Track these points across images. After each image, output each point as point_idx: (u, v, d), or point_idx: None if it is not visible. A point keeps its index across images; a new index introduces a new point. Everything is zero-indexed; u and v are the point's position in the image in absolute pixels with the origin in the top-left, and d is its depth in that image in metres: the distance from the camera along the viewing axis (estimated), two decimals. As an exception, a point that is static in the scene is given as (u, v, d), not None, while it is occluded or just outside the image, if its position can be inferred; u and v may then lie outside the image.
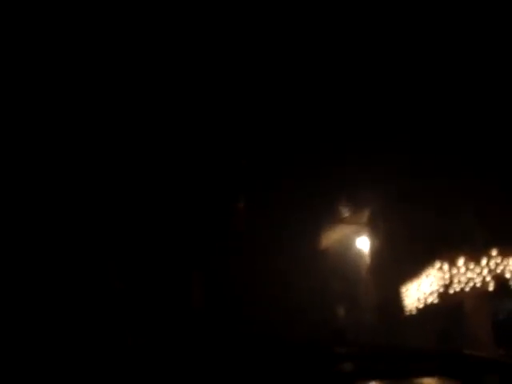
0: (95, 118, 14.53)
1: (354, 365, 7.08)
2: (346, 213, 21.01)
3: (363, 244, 21.42)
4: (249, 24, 14.91)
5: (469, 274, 12.30)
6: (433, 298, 13.29)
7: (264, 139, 18.32)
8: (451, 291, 12.60)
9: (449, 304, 13.63)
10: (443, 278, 12.50)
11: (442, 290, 12.76)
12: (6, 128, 12.78)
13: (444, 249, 13.74)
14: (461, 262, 12.38)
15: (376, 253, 19.96)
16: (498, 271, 12.33)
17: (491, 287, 12.40)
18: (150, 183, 16.47)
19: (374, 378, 6.76)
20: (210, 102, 16.29)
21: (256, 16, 14.83)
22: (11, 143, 12.99)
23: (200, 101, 16.09)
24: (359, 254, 21.78)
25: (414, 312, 14.61)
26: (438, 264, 12.66)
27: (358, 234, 21.66)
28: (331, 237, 21.90)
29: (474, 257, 12.49)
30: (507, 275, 12.39)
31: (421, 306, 14.00)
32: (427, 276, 13.18)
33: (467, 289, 12.41)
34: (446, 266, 12.46)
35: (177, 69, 15.33)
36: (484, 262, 12.30)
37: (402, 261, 15.92)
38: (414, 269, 14.51)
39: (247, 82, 16.22)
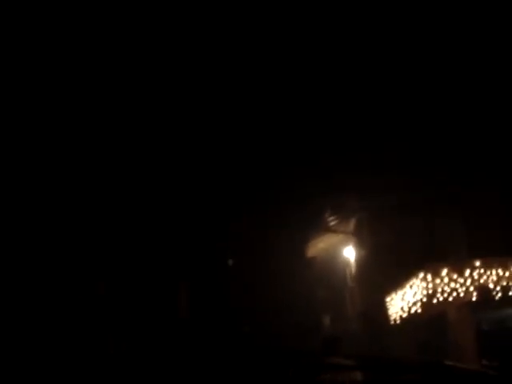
0: (92, 125, 14.57)
1: (336, 375, 7.12)
2: (332, 222, 21.08)
3: (349, 253, 21.48)
4: (249, 29, 14.98)
5: (452, 285, 12.38)
6: (416, 308, 13.35)
7: (254, 150, 18.39)
8: (434, 301, 12.67)
9: (432, 314, 13.69)
10: (427, 288, 12.57)
11: (425, 299, 12.82)
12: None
13: (429, 259, 13.83)
14: (444, 272, 12.46)
15: (361, 262, 20.02)
16: (482, 281, 12.42)
17: (474, 297, 12.48)
18: (142, 195, 16.50)
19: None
20: (208, 105, 16.32)
21: (257, 20, 14.90)
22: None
23: (199, 102, 16.12)
24: (345, 262, 21.84)
25: (398, 321, 14.66)
26: (421, 274, 12.73)
27: (345, 243, 21.71)
28: (318, 245, 21.96)
29: (458, 267, 12.57)
30: (490, 285, 12.49)
31: (405, 315, 14.06)
32: (411, 286, 13.24)
33: (450, 299, 12.48)
34: (429, 276, 12.54)
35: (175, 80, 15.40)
36: (467, 272, 12.39)
37: (387, 270, 15.99)
38: (398, 278, 14.58)
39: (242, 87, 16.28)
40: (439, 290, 12.51)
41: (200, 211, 18.91)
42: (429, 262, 13.49)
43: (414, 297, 13.13)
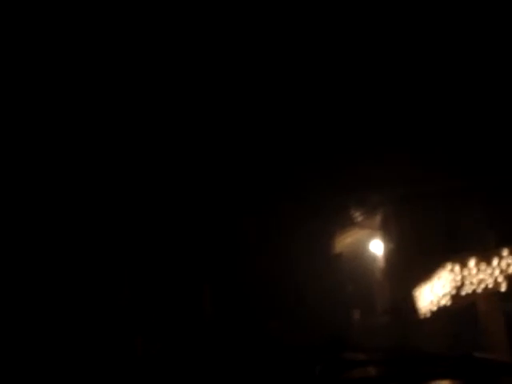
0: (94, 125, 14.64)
1: (363, 371, 7.09)
2: (358, 217, 21.04)
3: (376, 248, 21.43)
4: (250, 29, 14.99)
5: (480, 275, 12.26)
6: (445, 301, 13.25)
7: (274, 142, 18.37)
8: (463, 293, 12.56)
9: (462, 306, 13.59)
10: (455, 280, 12.47)
11: (454, 291, 12.72)
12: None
13: (455, 249, 13.74)
14: (472, 263, 12.35)
15: (389, 256, 19.95)
16: (510, 271, 12.28)
17: (503, 288, 12.35)
18: (161, 198, 16.58)
19: (385, 383, 6.76)
20: (211, 104, 16.33)
21: (258, 20, 14.90)
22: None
23: (202, 101, 16.13)
24: (372, 257, 21.80)
25: (428, 315, 14.57)
26: (449, 266, 12.63)
27: (371, 237, 21.67)
28: (344, 241, 21.94)
29: (485, 257, 12.45)
30: (519, 275, 12.36)
31: (434, 308, 13.96)
32: (439, 278, 13.15)
33: (479, 290, 12.37)
34: (457, 268, 12.43)
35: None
36: (495, 262, 12.26)
37: (414, 263, 15.92)
38: (426, 271, 14.50)
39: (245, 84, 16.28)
40: (467, 281, 12.41)
41: (221, 211, 18.97)
42: (455, 252, 13.40)
43: (442, 289, 13.03)
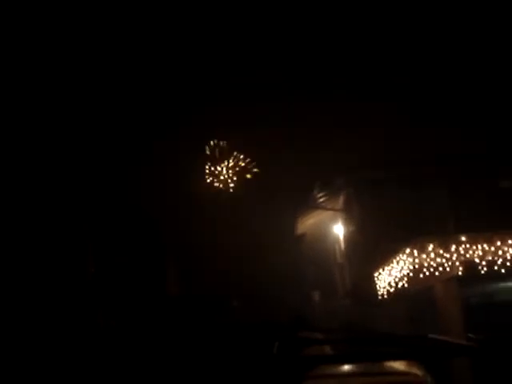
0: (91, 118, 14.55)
1: (321, 349, 7.22)
2: (321, 199, 21.14)
3: (338, 229, 21.57)
4: None
5: (438, 260, 12.46)
6: (403, 283, 13.45)
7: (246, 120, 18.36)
8: (421, 276, 12.76)
9: (419, 289, 13.80)
10: (413, 263, 12.66)
11: (411, 274, 12.92)
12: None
13: (416, 234, 13.90)
14: (430, 247, 12.54)
15: (350, 238, 20.11)
16: (467, 256, 12.51)
17: (460, 272, 12.58)
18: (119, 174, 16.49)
19: (340, 362, 6.89)
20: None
21: None
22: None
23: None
24: (334, 239, 21.93)
25: (386, 296, 14.78)
26: (408, 249, 12.81)
27: (334, 219, 21.78)
28: (307, 222, 22.03)
29: (444, 242, 12.65)
30: (476, 260, 12.57)
31: (392, 290, 14.17)
32: (398, 261, 13.33)
33: (437, 273, 12.58)
34: (415, 252, 12.62)
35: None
36: (453, 247, 12.48)
37: (375, 245, 16.07)
38: (386, 254, 14.67)
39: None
40: (425, 264, 12.60)
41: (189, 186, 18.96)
42: (415, 237, 13.56)
43: (400, 272, 13.22)
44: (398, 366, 6.64)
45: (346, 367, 6.63)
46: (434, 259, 12.46)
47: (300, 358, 6.89)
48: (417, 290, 13.88)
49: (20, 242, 13.21)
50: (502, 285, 13.85)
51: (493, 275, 12.87)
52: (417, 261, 12.60)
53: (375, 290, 15.82)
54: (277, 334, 6.56)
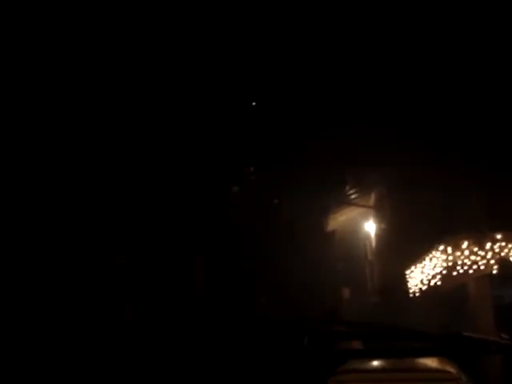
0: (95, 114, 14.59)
1: (351, 343, 7.11)
2: (353, 195, 21.02)
3: (369, 226, 21.44)
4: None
5: (472, 257, 12.27)
6: (436, 280, 13.29)
7: (271, 116, 18.26)
8: (454, 273, 12.59)
9: (452, 287, 13.64)
10: (447, 261, 12.49)
11: (445, 272, 12.74)
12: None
13: (448, 232, 13.73)
14: (465, 244, 12.36)
15: (381, 235, 19.97)
16: (503, 254, 12.29)
17: (495, 270, 12.37)
18: (152, 168, 16.49)
19: (371, 357, 6.78)
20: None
21: None
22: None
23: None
24: (365, 236, 21.81)
25: (418, 294, 14.62)
26: (441, 247, 12.64)
27: (365, 216, 21.66)
28: (338, 219, 21.92)
29: (479, 240, 12.46)
30: (511, 259, 12.36)
31: (424, 287, 14.00)
32: (431, 259, 13.16)
33: (470, 271, 12.39)
34: (449, 249, 12.44)
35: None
36: (488, 245, 12.27)
37: (407, 243, 15.93)
38: (418, 251, 14.51)
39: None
40: (459, 262, 12.42)
41: (214, 185, 18.91)
42: (448, 234, 13.40)
43: (433, 269, 13.05)
44: (431, 362, 6.50)
45: (378, 362, 6.49)
46: (468, 257, 12.27)
47: (330, 352, 6.80)
48: (449, 288, 13.73)
49: (46, 227, 13.29)
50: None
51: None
52: (450, 258, 12.42)
53: (406, 288, 15.67)
54: (307, 328, 6.47)
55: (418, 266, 14.05)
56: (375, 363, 6.56)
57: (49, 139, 13.54)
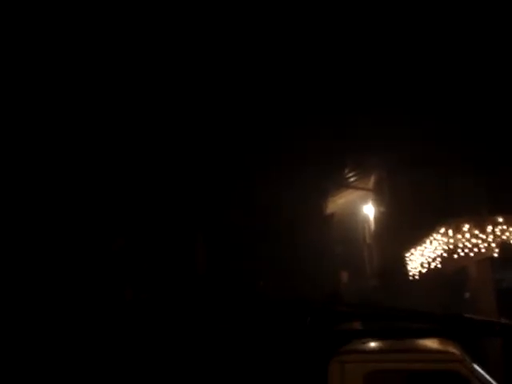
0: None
1: (353, 324, 7.06)
2: (352, 178, 20.94)
3: (368, 209, 21.37)
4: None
5: (473, 240, 12.20)
6: (436, 263, 13.23)
7: (275, 96, 18.17)
8: (455, 256, 12.52)
9: (452, 270, 13.59)
10: (447, 243, 12.41)
11: (445, 254, 12.68)
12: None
13: (448, 215, 13.67)
14: (466, 227, 12.28)
15: (380, 218, 19.92)
16: (504, 238, 12.22)
17: (496, 253, 12.30)
18: (153, 152, 16.45)
19: (373, 337, 6.73)
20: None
21: None
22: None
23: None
24: (364, 219, 21.75)
25: (417, 277, 14.57)
26: (442, 229, 12.56)
27: (364, 199, 21.59)
28: (337, 201, 21.85)
29: (480, 223, 12.38)
30: (512, 242, 12.30)
31: (424, 270, 13.95)
32: (431, 242, 13.09)
33: (471, 254, 12.32)
34: (450, 232, 12.36)
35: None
36: (489, 228, 12.20)
37: (406, 226, 15.89)
38: (418, 234, 14.45)
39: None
40: (460, 245, 12.34)
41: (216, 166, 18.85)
42: (448, 217, 13.33)
43: (434, 252, 12.98)
44: (434, 343, 6.47)
45: (380, 343, 6.46)
46: (469, 240, 12.19)
47: (332, 332, 6.76)
48: (449, 270, 13.69)
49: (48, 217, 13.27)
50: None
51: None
52: (451, 241, 12.34)
53: (406, 271, 15.63)
54: (310, 308, 6.43)
55: (419, 248, 13.98)
56: (377, 344, 6.53)
57: (47, 132, 13.51)
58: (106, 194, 15.05)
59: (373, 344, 6.35)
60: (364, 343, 6.32)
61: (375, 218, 20.68)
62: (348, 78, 17.87)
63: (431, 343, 6.41)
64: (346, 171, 20.59)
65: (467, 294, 14.30)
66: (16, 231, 12.46)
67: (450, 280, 14.48)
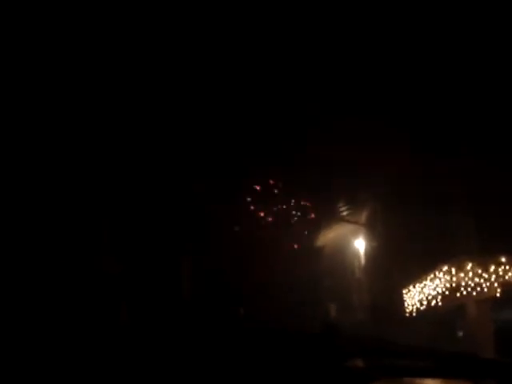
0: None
1: (364, 361, 6.95)
2: (345, 212, 20.94)
3: (359, 244, 21.37)
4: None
5: (476, 279, 12.23)
6: (437, 301, 13.22)
7: (265, 128, 18.19)
8: (458, 295, 12.52)
9: (444, 308, 13.55)
10: (450, 281, 12.43)
11: (447, 293, 12.68)
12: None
13: (447, 253, 13.67)
14: (469, 266, 12.31)
15: (372, 253, 19.91)
16: (506, 278, 12.28)
17: (498, 293, 12.34)
18: (141, 177, 16.35)
19: (386, 375, 6.63)
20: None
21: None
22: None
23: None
24: (355, 253, 21.73)
25: (414, 314, 14.55)
26: (445, 267, 12.58)
27: (356, 233, 21.58)
28: (328, 235, 21.83)
29: (482, 263, 12.43)
30: (515, 282, 12.35)
31: (422, 308, 13.93)
32: (432, 279, 13.10)
33: (474, 293, 12.35)
34: (453, 270, 12.39)
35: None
36: (492, 268, 12.25)
37: (400, 262, 15.85)
38: (412, 271, 14.45)
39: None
40: (463, 283, 12.36)
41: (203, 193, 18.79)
42: (446, 255, 13.33)
43: (435, 290, 12.98)
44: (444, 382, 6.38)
45: (408, 381, 6.37)
46: (471, 279, 12.23)
47: (343, 370, 6.64)
48: (444, 308, 13.64)
49: (43, 231, 13.10)
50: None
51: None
52: (454, 279, 12.36)
53: (400, 307, 15.57)
54: (313, 343, 6.30)
55: (417, 285, 13.97)
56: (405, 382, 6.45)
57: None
58: (100, 216, 14.97)
59: (402, 383, 6.24)
60: (391, 382, 6.20)
61: (366, 252, 20.67)
62: (342, 109, 17.97)
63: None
64: (339, 205, 20.60)
65: (460, 333, 14.28)
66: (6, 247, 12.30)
67: (441, 318, 14.44)
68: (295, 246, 20.46)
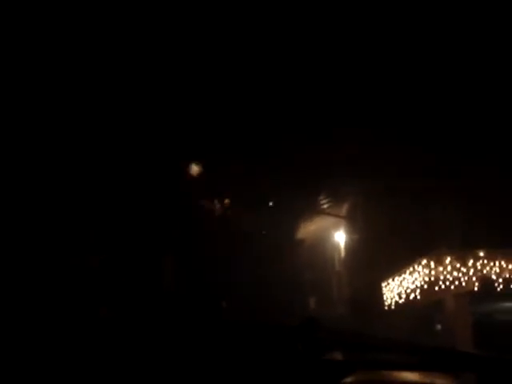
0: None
1: (343, 354, 6.90)
2: (326, 205, 20.89)
3: (340, 237, 21.35)
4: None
5: (455, 273, 12.24)
6: (415, 294, 13.22)
7: (250, 121, 18.11)
8: (436, 288, 12.53)
9: (430, 302, 13.57)
10: (429, 275, 12.43)
11: (426, 286, 12.68)
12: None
13: (426, 246, 13.67)
14: (448, 260, 12.32)
15: (352, 246, 19.90)
16: (484, 272, 12.30)
17: (476, 287, 12.36)
18: (126, 172, 16.24)
19: (376, 368, 6.59)
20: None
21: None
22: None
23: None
24: (335, 246, 21.70)
25: (393, 307, 14.55)
26: (424, 261, 12.58)
27: (336, 226, 21.55)
28: (309, 228, 21.78)
29: (461, 256, 12.43)
30: (493, 276, 12.36)
31: (401, 301, 13.93)
32: (411, 272, 13.10)
33: (452, 287, 12.35)
34: (432, 263, 12.39)
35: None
36: (471, 262, 12.26)
37: (380, 255, 15.84)
38: (393, 264, 14.43)
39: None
40: (441, 277, 12.36)
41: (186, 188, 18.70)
42: (427, 249, 13.32)
43: (413, 283, 12.99)
44: (435, 377, 6.36)
45: (387, 375, 6.33)
46: (450, 272, 12.23)
47: (333, 363, 6.62)
48: (427, 302, 13.66)
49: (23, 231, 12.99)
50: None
51: (508, 293, 12.64)
52: (433, 273, 12.36)
53: (377, 300, 15.57)
54: (294, 336, 6.26)
55: (396, 279, 13.98)
56: (386, 376, 6.40)
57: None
58: (82, 214, 14.87)
59: (380, 375, 6.20)
60: (368, 374, 6.17)
61: (346, 245, 20.66)
62: (324, 104, 17.91)
63: (425, 377, 6.31)
64: (320, 197, 20.55)
65: (438, 326, 14.30)
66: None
67: (419, 312, 14.44)
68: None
